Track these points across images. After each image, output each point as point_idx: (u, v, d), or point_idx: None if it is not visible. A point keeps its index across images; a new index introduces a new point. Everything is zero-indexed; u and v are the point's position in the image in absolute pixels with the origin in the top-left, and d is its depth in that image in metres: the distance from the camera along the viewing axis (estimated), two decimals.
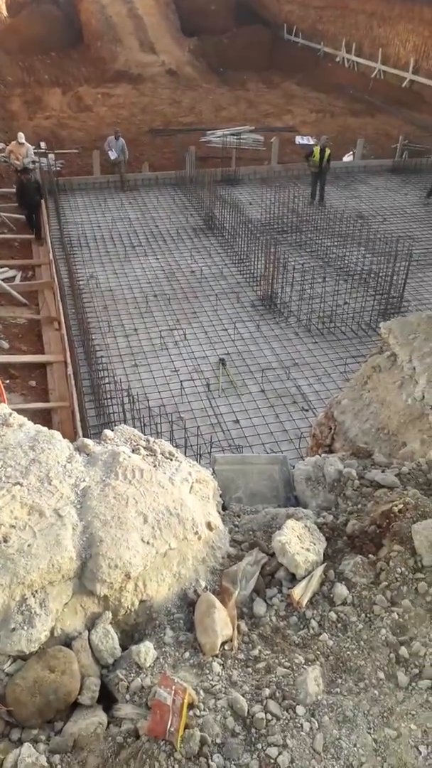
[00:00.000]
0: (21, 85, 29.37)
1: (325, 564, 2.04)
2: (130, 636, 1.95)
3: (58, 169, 18.16)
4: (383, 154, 20.26)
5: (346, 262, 13.25)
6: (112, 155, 16.94)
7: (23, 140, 16.01)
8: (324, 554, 2.07)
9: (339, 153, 20.02)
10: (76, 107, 26.51)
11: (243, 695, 1.68)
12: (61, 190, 16.63)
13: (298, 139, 22.00)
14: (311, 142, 21.32)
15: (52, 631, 1.83)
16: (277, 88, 30.42)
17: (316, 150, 15.79)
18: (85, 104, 26.78)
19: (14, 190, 15.31)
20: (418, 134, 21.54)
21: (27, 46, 34.03)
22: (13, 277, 12.82)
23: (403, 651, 1.78)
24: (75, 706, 1.74)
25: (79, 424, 8.25)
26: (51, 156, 18.36)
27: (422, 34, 27.38)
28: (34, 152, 19.48)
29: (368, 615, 1.87)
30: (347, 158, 19.67)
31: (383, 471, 2.38)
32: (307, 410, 9.24)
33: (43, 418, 9.04)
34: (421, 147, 19.87)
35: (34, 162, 16.17)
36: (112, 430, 2.61)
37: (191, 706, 1.64)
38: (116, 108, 26.14)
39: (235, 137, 21.39)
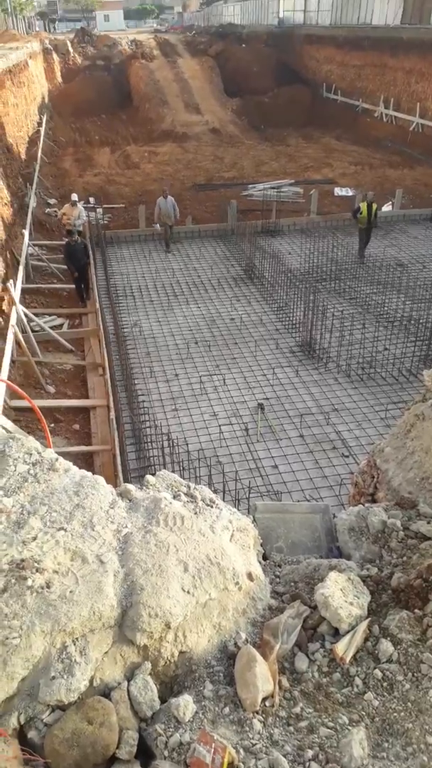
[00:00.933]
0: (73, 145, 31.06)
1: (370, 618, 1.98)
2: (169, 688, 1.92)
3: (105, 222, 18.92)
4: (422, 204, 20.41)
5: (385, 308, 13.23)
6: (158, 228, 17.02)
7: (76, 199, 16.27)
8: (368, 608, 2.01)
9: (378, 203, 20.26)
10: (124, 164, 27.79)
11: (285, 756, 1.62)
12: (108, 242, 17.29)
13: (337, 191, 22.41)
14: (350, 193, 21.72)
15: (91, 681, 1.82)
16: (317, 143, 31.26)
17: (364, 206, 15.78)
18: (133, 162, 28.05)
19: (63, 242, 15.95)
20: None
21: (79, 109, 36.15)
22: (61, 325, 13.25)
23: None
24: (113, 760, 1.70)
25: (120, 467, 8.31)
26: (99, 210, 19.19)
27: None
28: (84, 206, 20.50)
29: (415, 674, 1.80)
30: (386, 208, 19.87)
31: (429, 522, 2.31)
32: (347, 456, 9.09)
33: (86, 461, 9.17)
34: None
35: (80, 218, 16.29)
36: (154, 475, 2.64)
37: (231, 765, 1.59)
38: (161, 165, 27.27)
39: (276, 190, 21.95)
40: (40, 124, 29.40)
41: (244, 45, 44.88)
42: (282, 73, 40.81)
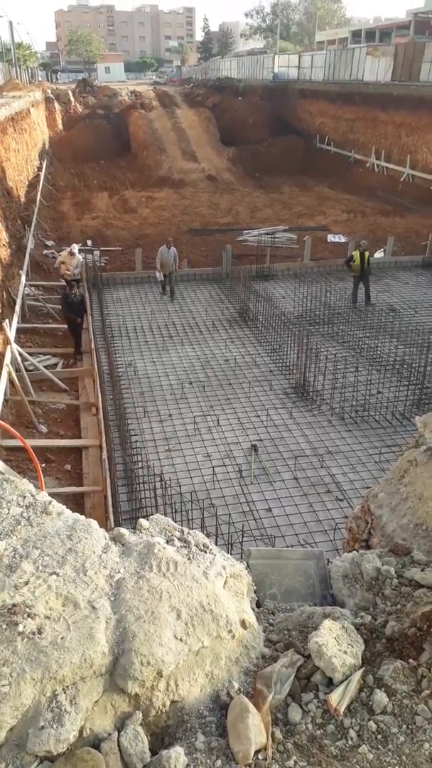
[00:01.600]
0: (72, 189, 31.83)
1: (364, 668, 1.96)
2: (159, 739, 1.88)
3: (102, 264, 19.24)
4: (413, 251, 20.93)
5: (378, 352, 13.39)
6: (159, 276, 16.86)
7: (76, 251, 16.25)
8: (362, 657, 1.99)
9: (370, 250, 20.73)
10: (122, 209, 28.44)
11: None
12: (104, 284, 17.53)
13: (330, 237, 22.96)
14: (343, 240, 22.25)
15: (81, 731, 1.77)
16: (311, 191, 32.18)
17: (356, 255, 16.06)
18: (130, 206, 28.72)
19: (61, 285, 15.90)
20: None
21: (79, 155, 37.20)
22: (56, 364, 13.31)
23: None
24: None
25: (111, 509, 8.23)
26: (96, 253, 19.53)
27: None
28: (81, 248, 20.85)
29: (410, 726, 1.77)
30: (378, 255, 20.33)
31: (423, 570, 2.31)
32: (341, 500, 9.05)
33: (76, 502, 9.08)
34: None
35: (78, 267, 16.35)
36: (147, 519, 2.63)
37: None
38: (158, 210, 27.92)
39: (270, 236, 22.47)
40: (40, 168, 30.18)
41: (240, 98, 46.67)
42: (276, 124, 42.36)
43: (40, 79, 63.74)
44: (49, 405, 11.80)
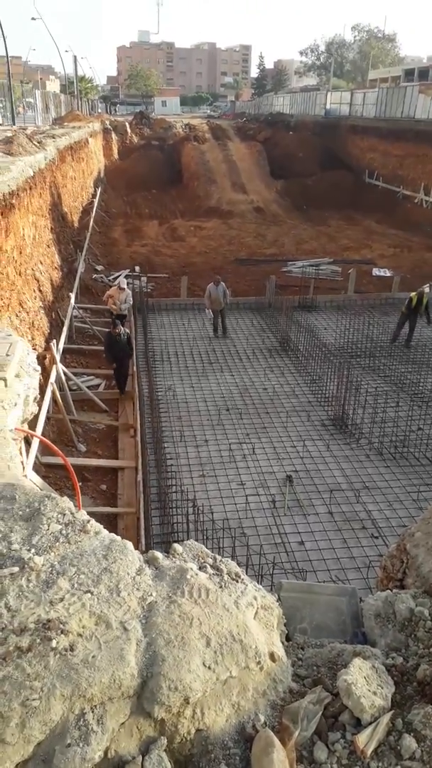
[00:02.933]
0: (123, 217, 32.76)
1: (393, 711, 1.92)
2: (183, 767, 1.87)
3: (148, 290, 19.65)
4: None
5: (420, 388, 13.19)
6: (209, 314, 16.53)
7: (125, 286, 15.78)
8: (392, 700, 1.95)
9: (415, 285, 20.56)
10: (170, 237, 29.07)
11: None
12: (149, 309, 17.88)
13: (375, 271, 22.90)
14: (388, 274, 22.15)
15: (106, 752, 1.79)
16: (357, 225, 32.24)
17: (414, 297, 15.75)
18: (179, 234, 29.34)
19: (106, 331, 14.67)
20: None
21: (132, 184, 38.36)
22: (98, 385, 13.57)
23: None
24: None
25: (143, 531, 8.27)
26: (144, 279, 19.98)
27: None
28: (130, 274, 21.36)
29: None
30: (426, 289, 20.12)
31: None
32: (376, 537, 8.86)
33: (109, 522, 9.15)
34: None
35: (126, 302, 15.65)
36: (181, 544, 2.66)
37: None
38: (206, 239, 28.43)
39: (314, 268, 22.57)
40: (94, 195, 31.22)
41: (291, 132, 47.45)
42: (326, 158, 42.80)
43: (99, 110, 66.46)
44: (89, 425, 12.01)
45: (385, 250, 26.62)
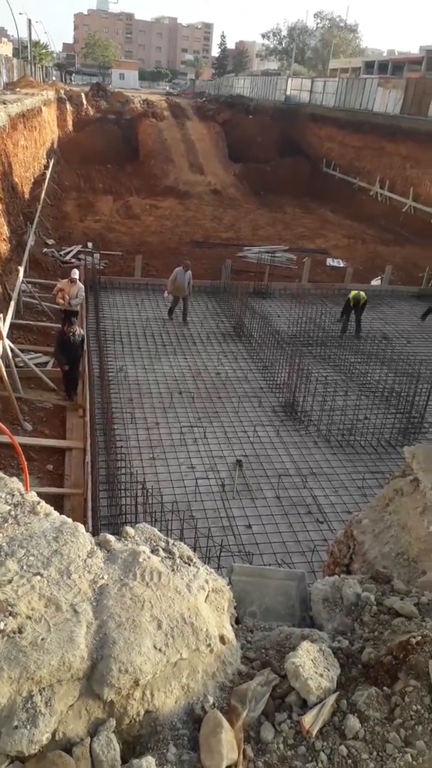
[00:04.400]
0: (77, 190, 31.93)
1: (338, 692, 1.98)
2: (131, 748, 1.88)
3: (101, 268, 19.28)
4: (410, 281, 21.20)
5: (368, 378, 13.52)
6: (167, 297, 16.23)
7: (77, 277, 14.32)
8: (337, 682, 2.01)
9: (367, 277, 21.01)
10: (125, 214, 28.56)
11: None
12: (102, 287, 17.56)
13: (329, 261, 23.21)
14: (341, 265, 22.49)
15: (54, 734, 1.77)
16: (313, 214, 32.54)
17: (351, 297, 15.89)
18: (134, 212, 28.85)
19: (55, 302, 14.09)
20: None
21: (86, 157, 37.37)
22: (46, 363, 13.27)
23: None
24: None
25: (90, 513, 8.20)
26: (96, 256, 19.57)
27: None
28: (81, 250, 20.87)
29: (380, 753, 1.79)
30: (375, 282, 20.58)
31: (402, 599, 2.34)
32: (321, 522, 9.09)
33: (56, 503, 9.01)
34: None
35: (78, 297, 14.15)
36: (133, 527, 2.64)
37: None
38: (162, 219, 28.07)
39: (270, 255, 22.67)
40: (46, 167, 30.25)
41: (250, 116, 47.22)
42: (285, 145, 42.86)
43: (54, 78, 64.10)
44: (36, 403, 11.75)
45: (340, 240, 26.99)
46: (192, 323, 16.25)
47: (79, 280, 12.37)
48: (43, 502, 2.55)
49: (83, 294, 14.44)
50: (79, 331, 11.80)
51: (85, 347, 12.37)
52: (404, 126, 33.43)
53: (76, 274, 14.31)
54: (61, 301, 13.99)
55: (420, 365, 13.14)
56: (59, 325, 14.09)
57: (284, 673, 2.04)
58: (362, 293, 15.97)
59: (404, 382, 12.42)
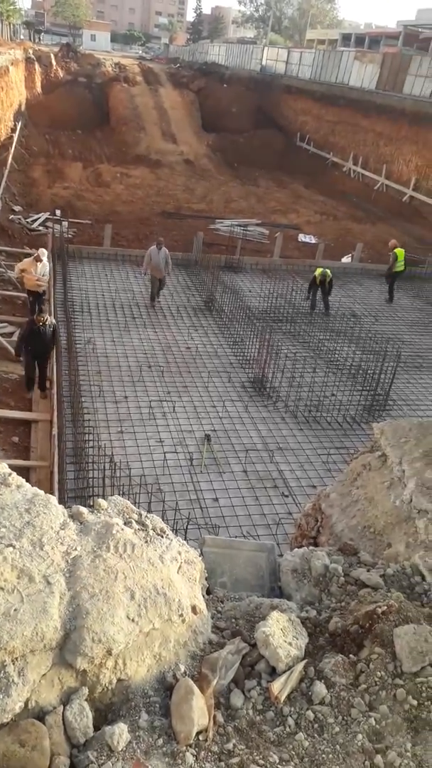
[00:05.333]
0: (45, 156, 30.97)
1: (306, 660, 2.04)
2: (103, 716, 1.91)
3: (69, 236, 18.86)
4: (380, 260, 21.33)
5: (336, 356, 13.67)
6: (145, 277, 15.53)
7: (45, 258, 13.14)
8: (305, 650, 2.07)
9: (338, 254, 21.07)
10: (95, 182, 27.88)
11: None
12: (70, 256, 17.20)
13: (301, 237, 23.18)
14: (313, 241, 22.50)
15: (26, 703, 1.79)
16: (286, 188, 32.34)
17: (318, 275, 15.83)
18: (104, 180, 28.18)
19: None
20: (413, 245, 22.81)
21: (55, 121, 36.21)
22: (12, 333, 13.00)
23: (379, 760, 1.76)
24: None
25: (56, 485, 8.16)
26: (65, 224, 19.12)
27: (425, 156, 29.58)
28: (50, 217, 20.33)
29: (345, 718, 1.86)
30: (345, 259, 20.67)
31: (368, 570, 2.41)
32: (287, 496, 9.24)
33: (21, 475, 8.90)
34: (416, 257, 20.98)
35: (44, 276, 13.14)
36: (106, 500, 2.64)
37: None
38: (133, 188, 27.52)
39: (242, 228, 22.51)
40: (14, 130, 29.24)
41: (225, 85, 46.33)
42: (259, 116, 42.29)
43: (22, 37, 61.50)
44: (1, 374, 11.54)
45: (312, 216, 26.94)
46: (162, 296, 16.07)
47: (50, 325, 10.74)
48: (14, 474, 2.52)
49: (47, 272, 13.49)
50: (50, 320, 10.82)
51: (58, 338, 11.40)
52: (379, 102, 33.31)
53: (44, 254, 13.16)
54: (31, 281, 12.89)
55: (387, 343, 13.34)
56: (25, 295, 13.79)
57: (254, 642, 2.09)
58: (328, 271, 15.99)
59: (371, 359, 12.62)
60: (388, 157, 31.97)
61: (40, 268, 12.86)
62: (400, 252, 17.46)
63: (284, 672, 1.98)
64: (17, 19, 69.93)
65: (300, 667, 2.00)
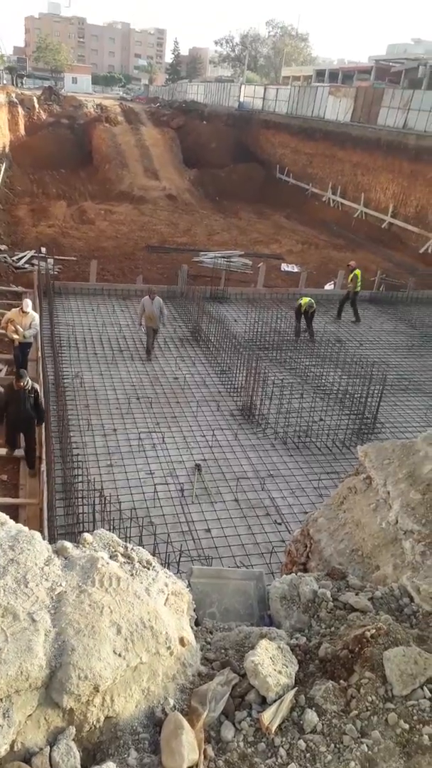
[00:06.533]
0: (30, 195, 31.40)
1: (296, 688, 2.02)
2: (91, 755, 1.87)
3: (55, 273, 19.01)
4: (362, 286, 21.64)
5: (323, 381, 13.76)
6: (141, 329, 14.64)
7: (29, 309, 12.43)
8: (296, 678, 2.05)
9: (321, 281, 21.38)
10: (79, 219, 28.24)
11: None
12: (56, 292, 17.31)
13: (284, 267, 23.53)
14: (296, 270, 22.83)
15: (12, 745, 1.75)
16: (267, 219, 32.93)
17: (304, 303, 15.98)
18: (88, 217, 28.56)
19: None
20: (394, 270, 23.24)
21: (39, 162, 36.83)
22: (1, 370, 12.99)
23: None
24: None
25: (46, 522, 8.06)
26: (50, 261, 19.29)
27: (401, 184, 30.36)
28: (35, 255, 20.51)
29: (338, 745, 1.84)
30: (328, 287, 20.96)
31: (357, 594, 2.41)
32: (279, 524, 9.18)
33: (10, 514, 8.75)
34: (397, 282, 21.35)
35: (32, 328, 12.36)
36: (91, 534, 2.63)
37: None
38: (117, 224, 27.89)
39: (226, 260, 22.82)
40: None
41: (205, 122, 47.51)
42: (239, 151, 43.29)
43: (4, 82, 62.89)
44: None
45: (294, 245, 27.40)
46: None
47: (32, 389, 9.65)
48: None
49: (38, 324, 12.72)
50: (31, 385, 9.62)
51: (43, 401, 10.14)
52: (354, 134, 34.26)
53: (28, 306, 12.43)
54: (14, 336, 12.20)
55: (372, 367, 13.44)
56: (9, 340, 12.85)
57: (244, 672, 2.07)
58: (312, 300, 16.22)
59: (357, 384, 12.70)
60: (366, 186, 32.76)
61: (27, 320, 12.26)
62: (358, 272, 18.10)
63: (275, 701, 1.96)
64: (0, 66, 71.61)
65: (290, 695, 1.98)
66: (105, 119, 44.31)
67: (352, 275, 18.00)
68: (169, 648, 2.06)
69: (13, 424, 9.77)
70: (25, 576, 2.14)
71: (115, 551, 2.45)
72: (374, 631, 2.09)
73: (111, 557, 2.38)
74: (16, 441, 10.05)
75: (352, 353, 15.49)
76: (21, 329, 12.12)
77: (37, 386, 9.99)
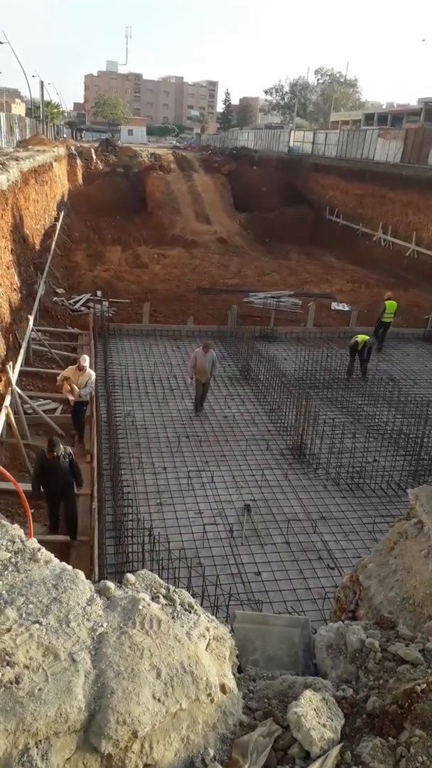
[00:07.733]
0: (86, 241, 32.73)
1: (342, 743, 1.92)
2: None
3: (110, 315, 19.61)
4: (414, 324, 21.34)
5: (376, 420, 13.46)
6: (191, 382, 13.86)
7: (86, 364, 11.94)
8: (341, 732, 1.95)
9: (372, 320, 21.14)
10: (134, 263, 29.17)
11: None
12: (110, 334, 17.81)
13: (334, 305, 23.46)
14: (346, 308, 22.72)
15: None
16: (317, 260, 33.08)
17: (360, 341, 15.92)
18: (142, 261, 29.47)
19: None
20: None
21: (96, 209, 38.48)
22: (55, 409, 13.36)
23: None
24: None
25: (96, 560, 8.10)
26: (105, 303, 19.94)
27: None
28: (91, 298, 21.23)
29: None
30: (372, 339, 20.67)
31: (407, 645, 2.29)
32: (333, 568, 8.90)
33: (62, 551, 8.91)
34: None
35: (87, 386, 11.87)
36: (134, 574, 2.62)
37: None
38: (169, 267, 28.63)
39: (275, 300, 22.98)
40: (57, 219, 31.16)
41: (255, 167, 48.69)
42: (289, 194, 44.00)
43: (65, 136, 66.74)
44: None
45: (344, 285, 27.34)
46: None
47: (67, 456, 9.01)
48: (43, 549, 2.55)
49: (93, 382, 12.12)
50: (64, 450, 8.95)
51: (77, 468, 9.31)
52: (405, 174, 34.30)
53: (86, 361, 12.01)
54: (69, 396, 11.86)
55: (427, 407, 13.08)
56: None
57: (287, 724, 1.99)
58: (368, 337, 16.09)
59: (412, 423, 12.36)
60: (417, 225, 32.54)
61: (84, 377, 11.79)
62: (390, 304, 18.09)
63: (319, 756, 1.87)
64: (61, 121, 76.15)
65: (335, 751, 1.88)
66: (158, 167, 46.11)
67: (383, 304, 18.04)
68: (209, 695, 2.01)
69: (53, 494, 9.14)
70: (67, 615, 2.15)
71: (157, 593, 2.43)
72: (425, 685, 1.98)
73: (153, 599, 2.37)
74: (56, 516, 9.37)
75: (406, 392, 15.15)
76: (77, 389, 11.67)
77: (70, 449, 9.38)
